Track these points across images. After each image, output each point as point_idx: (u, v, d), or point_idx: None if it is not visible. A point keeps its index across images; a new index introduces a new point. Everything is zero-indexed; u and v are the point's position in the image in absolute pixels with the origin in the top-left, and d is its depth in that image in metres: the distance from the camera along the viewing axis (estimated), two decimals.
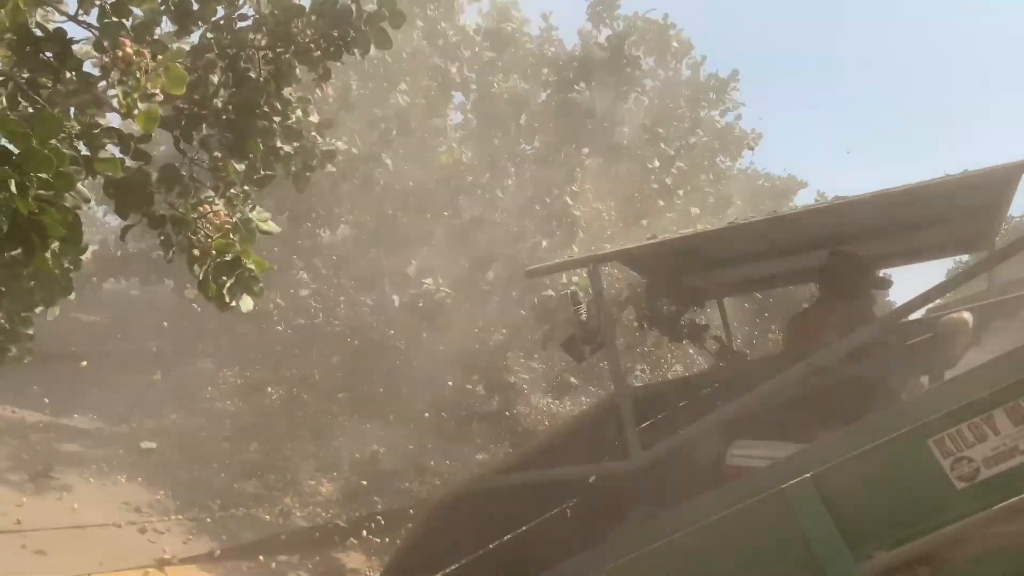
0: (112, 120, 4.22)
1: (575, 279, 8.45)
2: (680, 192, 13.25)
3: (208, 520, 7.39)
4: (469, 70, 12.41)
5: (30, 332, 4.54)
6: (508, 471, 5.16)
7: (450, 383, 10.97)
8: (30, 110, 3.75)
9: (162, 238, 3.73)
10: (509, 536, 6.20)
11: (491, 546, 6.14)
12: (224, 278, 3.80)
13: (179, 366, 11.39)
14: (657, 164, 12.50)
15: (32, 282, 4.38)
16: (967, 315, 4.91)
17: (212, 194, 3.84)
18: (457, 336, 10.94)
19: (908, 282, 14.60)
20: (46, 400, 8.87)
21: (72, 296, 4.60)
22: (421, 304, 10.24)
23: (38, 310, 4.52)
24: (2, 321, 4.34)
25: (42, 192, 2.72)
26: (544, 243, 10.83)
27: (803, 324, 5.26)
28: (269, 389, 10.96)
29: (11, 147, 2.74)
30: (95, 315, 12.27)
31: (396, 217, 11.26)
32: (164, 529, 7.01)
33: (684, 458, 4.76)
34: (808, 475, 2.71)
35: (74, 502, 6.94)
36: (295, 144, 4.88)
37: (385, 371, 10.82)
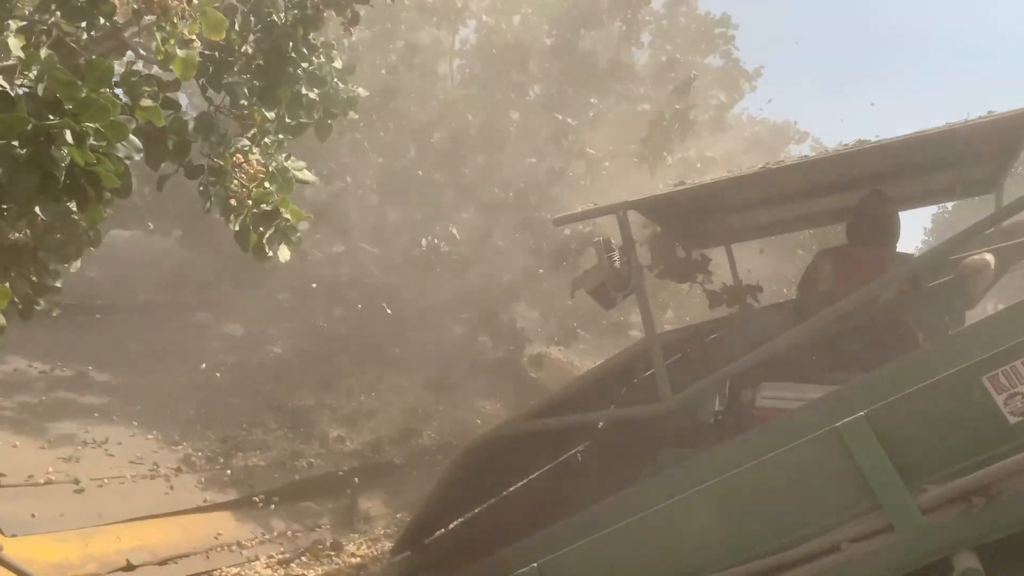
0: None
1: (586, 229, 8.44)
2: (693, 119, 12.97)
3: (229, 469, 7.49)
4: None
5: (58, 285, 4.51)
6: (535, 418, 5.25)
7: (458, 332, 11.02)
8: (54, 57, 3.66)
9: (201, 188, 3.68)
10: (522, 483, 6.36)
11: (507, 492, 6.30)
12: (262, 228, 3.79)
13: (180, 319, 11.36)
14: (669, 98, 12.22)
15: (59, 235, 4.34)
16: (989, 256, 4.97)
17: (247, 143, 3.77)
18: (465, 285, 10.95)
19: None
20: (58, 354, 8.85)
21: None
22: (428, 254, 10.21)
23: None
24: (31, 276, 4.28)
25: (95, 143, 2.67)
26: (554, 189, 10.76)
27: (835, 262, 5.24)
28: (276, 341, 11.00)
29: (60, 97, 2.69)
30: (92, 269, 12.13)
31: (405, 157, 11.10)
32: (189, 477, 7.10)
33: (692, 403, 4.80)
34: (862, 413, 2.78)
35: (96, 453, 6.99)
36: (317, 91, 4.80)
37: (393, 322, 10.86)
